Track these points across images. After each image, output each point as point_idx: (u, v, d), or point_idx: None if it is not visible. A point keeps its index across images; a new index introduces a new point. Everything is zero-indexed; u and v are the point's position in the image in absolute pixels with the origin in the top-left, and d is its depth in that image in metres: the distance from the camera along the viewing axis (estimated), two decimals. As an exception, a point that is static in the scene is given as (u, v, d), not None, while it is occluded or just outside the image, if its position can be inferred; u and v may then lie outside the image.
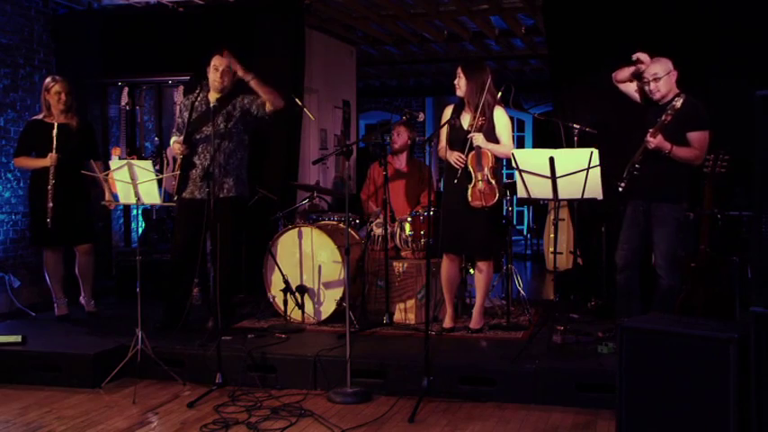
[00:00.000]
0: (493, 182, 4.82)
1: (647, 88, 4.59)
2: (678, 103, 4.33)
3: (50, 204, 5.37)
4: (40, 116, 5.61)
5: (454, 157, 4.84)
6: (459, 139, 4.87)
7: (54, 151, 5.39)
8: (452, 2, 7.34)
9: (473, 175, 4.83)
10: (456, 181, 4.83)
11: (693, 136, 4.47)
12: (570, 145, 5.20)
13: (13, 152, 5.83)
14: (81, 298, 5.83)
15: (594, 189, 4.30)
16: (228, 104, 5.12)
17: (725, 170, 4.71)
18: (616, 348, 3.56)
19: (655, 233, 4.58)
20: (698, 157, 4.49)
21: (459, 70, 4.91)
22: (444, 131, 4.94)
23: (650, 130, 4.40)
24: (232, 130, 5.12)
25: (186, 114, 5.15)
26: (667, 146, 4.40)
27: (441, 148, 5.03)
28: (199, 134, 5.12)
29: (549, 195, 4.45)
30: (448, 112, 5.05)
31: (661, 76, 4.53)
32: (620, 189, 4.54)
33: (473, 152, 4.80)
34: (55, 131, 5.42)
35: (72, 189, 5.53)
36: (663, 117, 4.36)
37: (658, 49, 4.71)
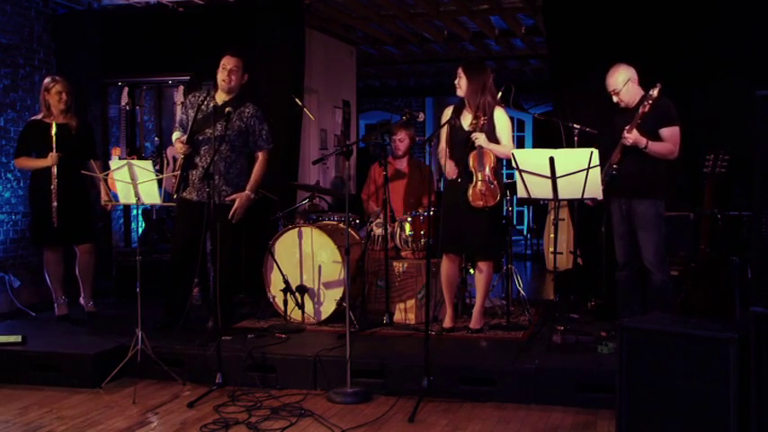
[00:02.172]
0: (494, 182, 4.83)
1: (614, 99, 4.67)
2: (655, 92, 4.41)
3: (55, 204, 5.37)
4: (39, 116, 5.61)
5: (448, 168, 4.85)
6: (459, 140, 4.87)
7: (54, 150, 5.39)
8: (452, 2, 7.34)
9: (474, 175, 4.83)
10: (459, 180, 4.82)
11: (666, 132, 4.55)
12: (570, 145, 5.20)
13: (14, 153, 5.82)
14: (81, 298, 5.82)
15: (594, 189, 4.31)
16: (235, 110, 5.06)
17: (725, 170, 4.73)
18: (616, 348, 3.56)
19: (639, 231, 4.63)
20: (672, 152, 4.56)
21: (460, 70, 4.91)
22: (444, 132, 4.94)
23: (626, 127, 4.46)
24: (233, 138, 5.11)
25: (191, 112, 5.13)
26: (643, 141, 4.48)
27: (440, 150, 5.03)
28: (202, 135, 5.10)
29: (549, 195, 4.45)
30: (448, 113, 5.05)
31: (620, 89, 4.64)
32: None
33: (474, 152, 4.80)
34: (53, 130, 5.41)
35: (74, 188, 5.53)
36: (641, 109, 4.43)
37: (658, 49, 4.72)
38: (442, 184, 5.27)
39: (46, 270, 5.69)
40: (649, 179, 4.58)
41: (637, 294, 4.75)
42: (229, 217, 5.08)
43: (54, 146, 5.40)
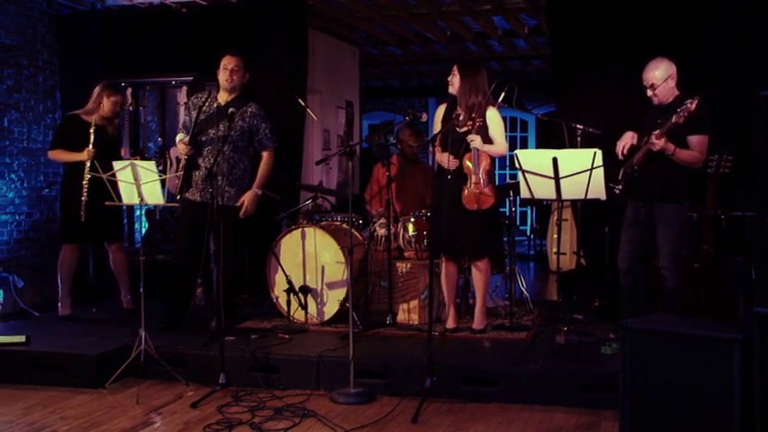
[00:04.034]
0: (489, 185, 4.82)
1: (647, 93, 4.59)
2: (692, 105, 4.26)
3: (84, 199, 5.39)
4: (80, 111, 5.66)
5: (446, 159, 4.79)
6: (453, 140, 4.84)
7: (91, 146, 5.44)
8: (455, 2, 7.33)
9: (468, 178, 4.82)
10: (449, 177, 4.78)
11: (694, 139, 4.45)
12: (573, 145, 5.19)
13: (50, 144, 5.79)
14: (122, 296, 5.87)
15: (598, 189, 4.30)
16: (238, 110, 5.06)
17: (728, 170, 4.71)
18: (620, 349, 3.56)
19: (659, 234, 4.56)
20: (699, 161, 4.48)
21: (455, 68, 4.94)
22: (438, 132, 4.95)
23: (655, 132, 4.37)
24: (236, 138, 5.11)
25: (194, 114, 5.14)
26: (671, 147, 4.37)
27: (435, 150, 5.04)
28: (204, 136, 5.10)
29: (553, 196, 4.44)
30: (440, 111, 5.07)
31: (658, 85, 4.52)
32: (617, 191, 4.53)
33: (470, 153, 4.80)
34: (92, 129, 5.48)
35: (104, 188, 5.54)
36: (674, 118, 4.30)
37: (662, 49, 4.70)
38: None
39: (60, 268, 5.70)
40: (673, 183, 4.50)
41: (642, 299, 4.72)
42: (240, 215, 5.12)
43: (91, 142, 5.45)
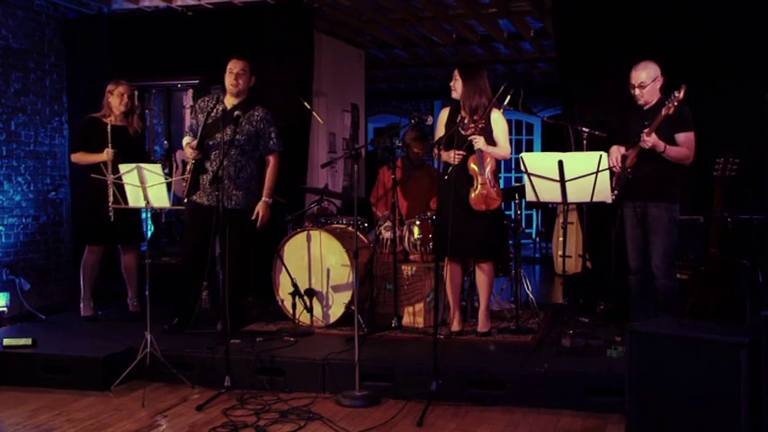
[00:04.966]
0: (495, 185, 4.82)
1: (632, 92, 4.64)
2: (680, 93, 4.35)
3: (111, 200, 5.35)
4: (98, 114, 5.68)
5: (453, 154, 4.79)
6: (457, 143, 4.82)
7: (110, 147, 5.45)
8: (461, 5, 7.34)
9: (475, 179, 4.81)
10: (447, 177, 4.77)
11: (681, 137, 4.53)
12: (579, 148, 5.19)
13: (71, 147, 5.81)
14: (128, 299, 5.90)
15: (604, 192, 4.30)
16: (244, 114, 5.08)
17: (735, 173, 4.71)
18: (626, 352, 3.55)
19: (651, 233, 4.61)
20: (688, 157, 4.56)
21: (456, 72, 4.94)
22: (441, 133, 4.94)
23: (645, 131, 4.44)
24: (243, 142, 5.12)
25: (201, 117, 5.16)
26: (662, 144, 4.46)
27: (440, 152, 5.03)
28: (212, 140, 5.12)
29: (558, 199, 4.44)
30: (444, 115, 5.06)
31: (647, 85, 4.61)
32: (613, 197, 4.55)
33: (474, 155, 4.79)
34: (109, 128, 5.50)
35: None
36: (663, 111, 4.41)
37: (667, 52, 4.70)
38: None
39: (83, 269, 5.73)
40: (665, 182, 4.57)
41: (650, 298, 4.73)
42: (257, 226, 5.18)
43: (109, 143, 5.46)
